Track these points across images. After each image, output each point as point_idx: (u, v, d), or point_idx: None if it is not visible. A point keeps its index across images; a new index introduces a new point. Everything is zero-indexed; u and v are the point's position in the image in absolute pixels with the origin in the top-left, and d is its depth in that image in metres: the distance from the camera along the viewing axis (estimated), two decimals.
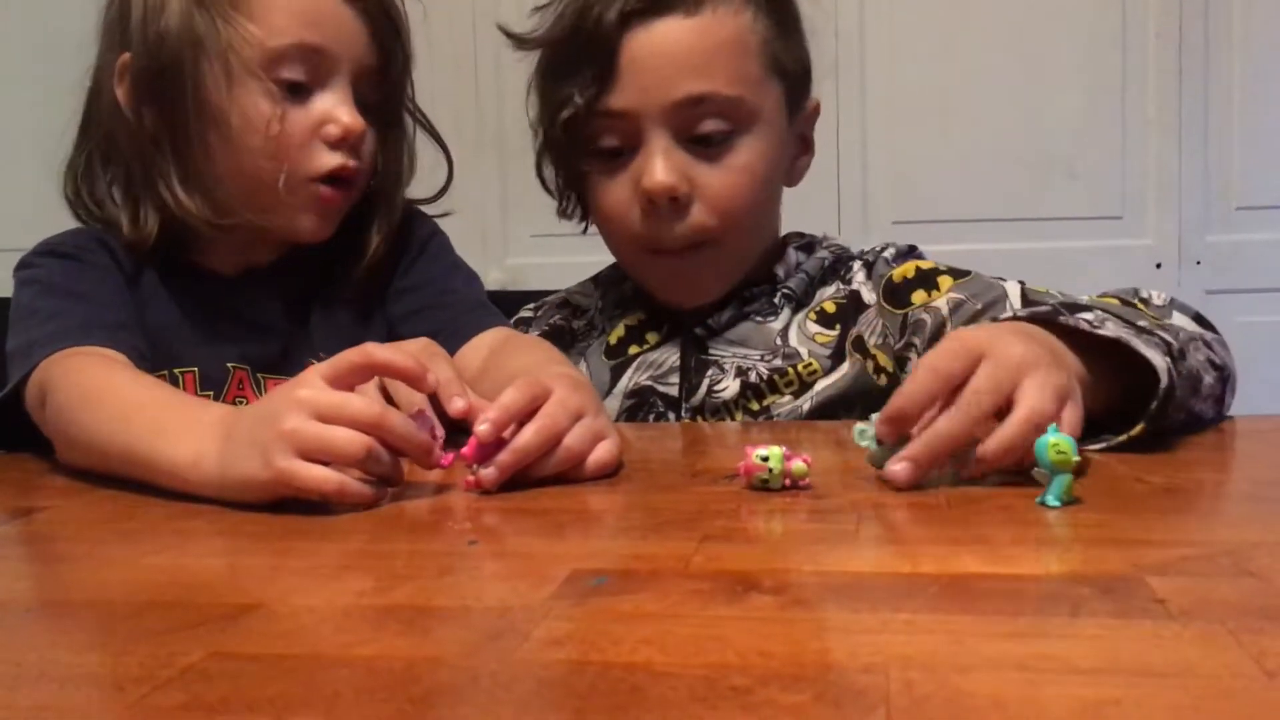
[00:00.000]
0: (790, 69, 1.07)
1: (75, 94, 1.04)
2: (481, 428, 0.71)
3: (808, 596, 0.48)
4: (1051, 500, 0.62)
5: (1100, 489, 0.66)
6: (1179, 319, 0.90)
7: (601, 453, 0.75)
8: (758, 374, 1.06)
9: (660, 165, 1.00)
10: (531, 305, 1.25)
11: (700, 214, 1.02)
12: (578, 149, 1.04)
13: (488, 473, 0.71)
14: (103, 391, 0.82)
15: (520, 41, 1.08)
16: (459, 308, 1.07)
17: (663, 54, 1.00)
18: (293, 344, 1.05)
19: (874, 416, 0.69)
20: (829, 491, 0.68)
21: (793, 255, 1.13)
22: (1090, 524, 0.59)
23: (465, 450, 0.71)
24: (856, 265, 1.12)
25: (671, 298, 1.10)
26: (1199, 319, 0.93)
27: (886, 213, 2.27)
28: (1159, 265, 2.22)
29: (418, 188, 1.12)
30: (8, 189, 2.12)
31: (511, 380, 0.76)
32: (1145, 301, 0.91)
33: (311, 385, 0.69)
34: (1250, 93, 2.22)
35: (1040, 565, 0.52)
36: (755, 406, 1.06)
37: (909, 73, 2.27)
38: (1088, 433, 0.74)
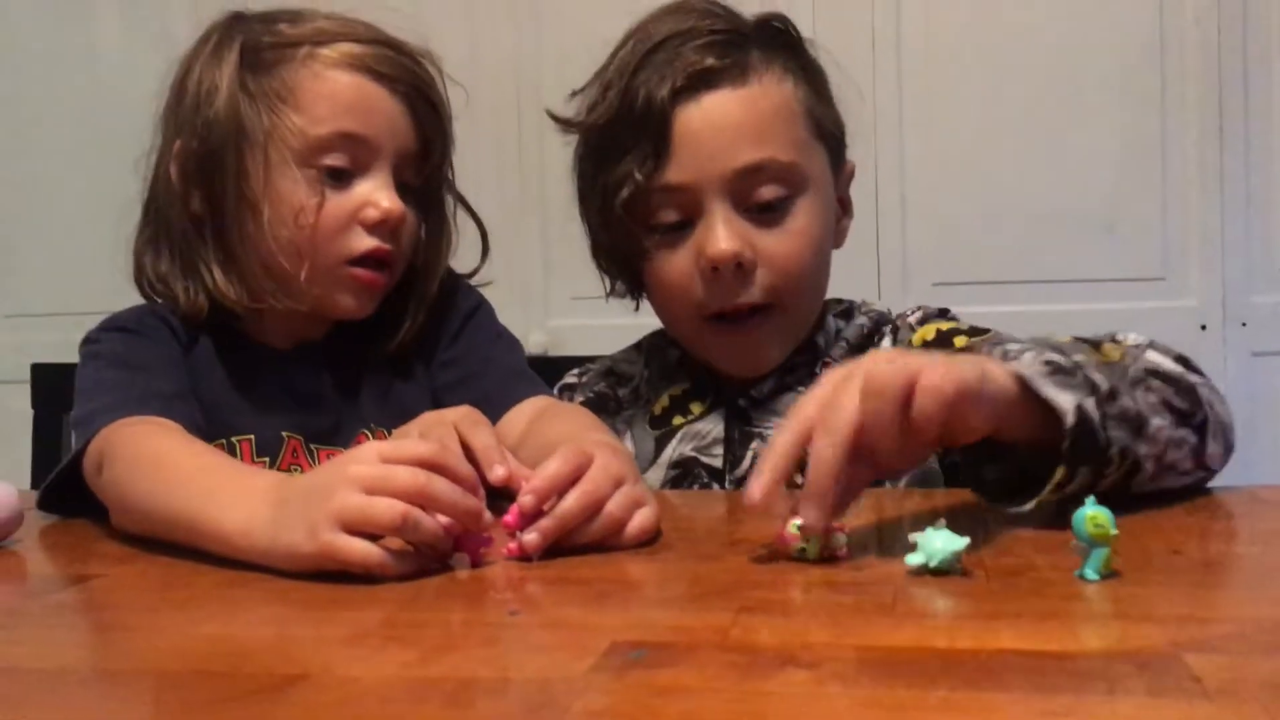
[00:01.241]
0: (830, 132, 1.09)
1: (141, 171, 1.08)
2: (525, 499, 0.72)
3: (844, 671, 0.49)
4: (1090, 574, 0.62)
5: (1138, 562, 0.66)
6: (1155, 358, 0.88)
7: (641, 520, 0.76)
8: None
9: (723, 234, 1.01)
10: (576, 371, 1.26)
11: (764, 280, 1.03)
12: (637, 226, 1.05)
13: (530, 538, 0.72)
14: (157, 458, 0.84)
15: (569, 126, 1.10)
16: (499, 377, 1.09)
17: (717, 126, 1.02)
18: (344, 417, 1.08)
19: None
20: (865, 563, 0.68)
21: (832, 323, 1.14)
22: (1128, 599, 0.59)
23: (508, 518, 0.73)
24: (886, 330, 1.13)
25: (734, 369, 1.10)
26: (1181, 360, 0.91)
27: (926, 275, 2.27)
28: (1203, 327, 2.20)
29: (457, 260, 1.14)
30: (85, 256, 2.19)
31: (551, 448, 0.77)
32: (1117, 342, 0.90)
33: (362, 461, 0.70)
34: None
35: (1077, 641, 0.52)
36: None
37: (947, 135, 2.28)
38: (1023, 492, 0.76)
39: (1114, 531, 0.62)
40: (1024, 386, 0.74)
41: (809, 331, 1.12)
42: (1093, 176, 2.23)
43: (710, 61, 1.02)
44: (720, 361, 1.10)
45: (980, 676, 0.47)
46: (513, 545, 0.73)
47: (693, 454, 1.10)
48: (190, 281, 1.04)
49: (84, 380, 1.01)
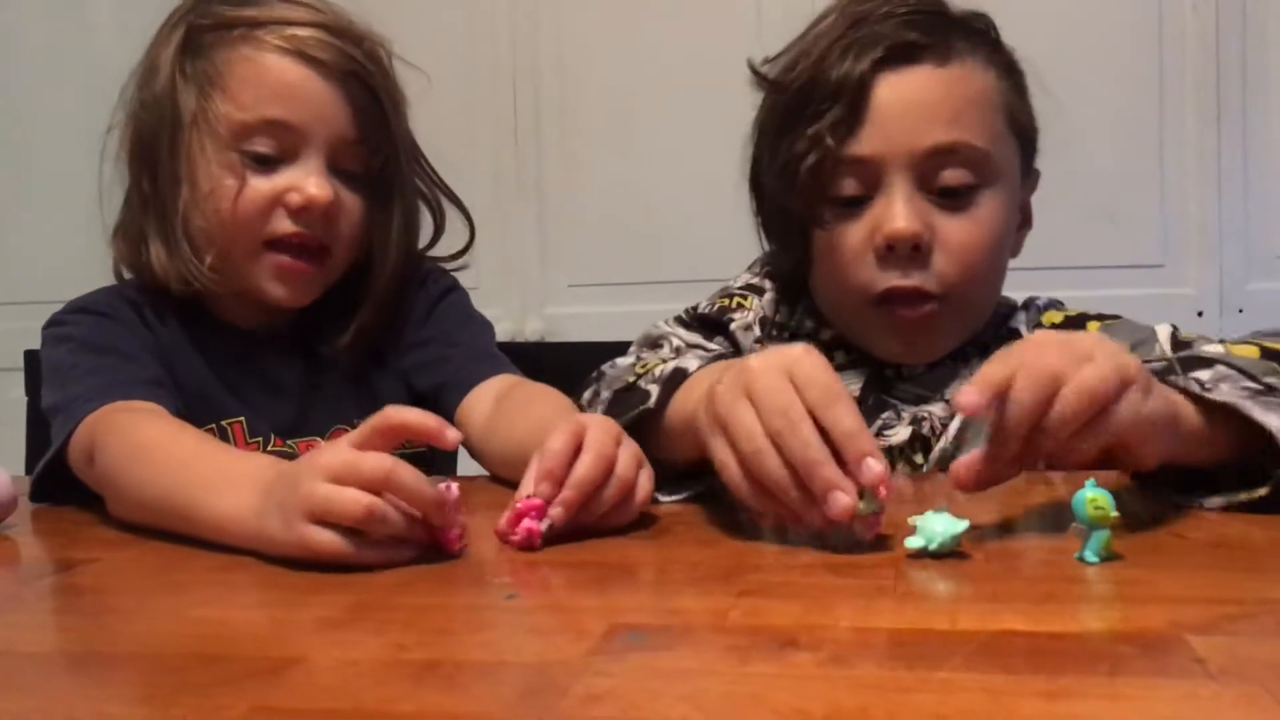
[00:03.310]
0: (1025, 132, 1.06)
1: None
2: (542, 486, 0.72)
3: (845, 654, 0.48)
4: (1090, 556, 0.62)
5: (1140, 545, 0.66)
6: None
7: (645, 479, 0.76)
8: (931, 425, 1.02)
9: (902, 211, 0.97)
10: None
11: (941, 264, 0.99)
12: (816, 196, 1.00)
13: (555, 513, 0.71)
14: (149, 446, 0.84)
15: (767, 84, 1.05)
16: (464, 359, 1.09)
17: (913, 101, 0.98)
18: (310, 408, 1.07)
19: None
20: (868, 544, 0.68)
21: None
22: (1130, 580, 0.59)
23: (518, 509, 0.72)
24: (1020, 314, 1.11)
25: (894, 356, 1.05)
26: None
27: None
28: (1200, 313, 2.20)
29: (447, 244, 1.13)
30: (42, 243, 2.18)
31: (530, 434, 0.78)
32: None
33: (333, 450, 0.70)
34: None
35: (1079, 623, 0.52)
36: (920, 460, 1.02)
37: None
38: (1205, 487, 0.75)
39: (1114, 514, 0.62)
40: (1214, 414, 0.73)
41: (979, 325, 1.07)
42: (1091, 164, 2.22)
43: (915, 36, 0.98)
44: (883, 345, 1.05)
45: (982, 658, 0.47)
46: (516, 537, 0.72)
47: None
48: (145, 259, 1.05)
49: (55, 364, 1.00)
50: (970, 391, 0.66)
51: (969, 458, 0.69)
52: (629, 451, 0.76)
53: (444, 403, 1.07)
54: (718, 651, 0.49)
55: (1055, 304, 1.13)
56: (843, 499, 0.65)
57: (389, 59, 1.07)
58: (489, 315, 1.19)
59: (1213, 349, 0.83)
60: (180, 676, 0.49)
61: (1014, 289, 1.15)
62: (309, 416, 1.07)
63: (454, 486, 0.70)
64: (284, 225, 1.01)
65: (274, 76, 1.00)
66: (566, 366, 1.25)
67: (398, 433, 0.72)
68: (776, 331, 1.11)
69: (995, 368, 0.67)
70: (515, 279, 2.35)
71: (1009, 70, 1.05)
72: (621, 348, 1.14)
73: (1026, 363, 0.66)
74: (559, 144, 2.38)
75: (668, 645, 0.50)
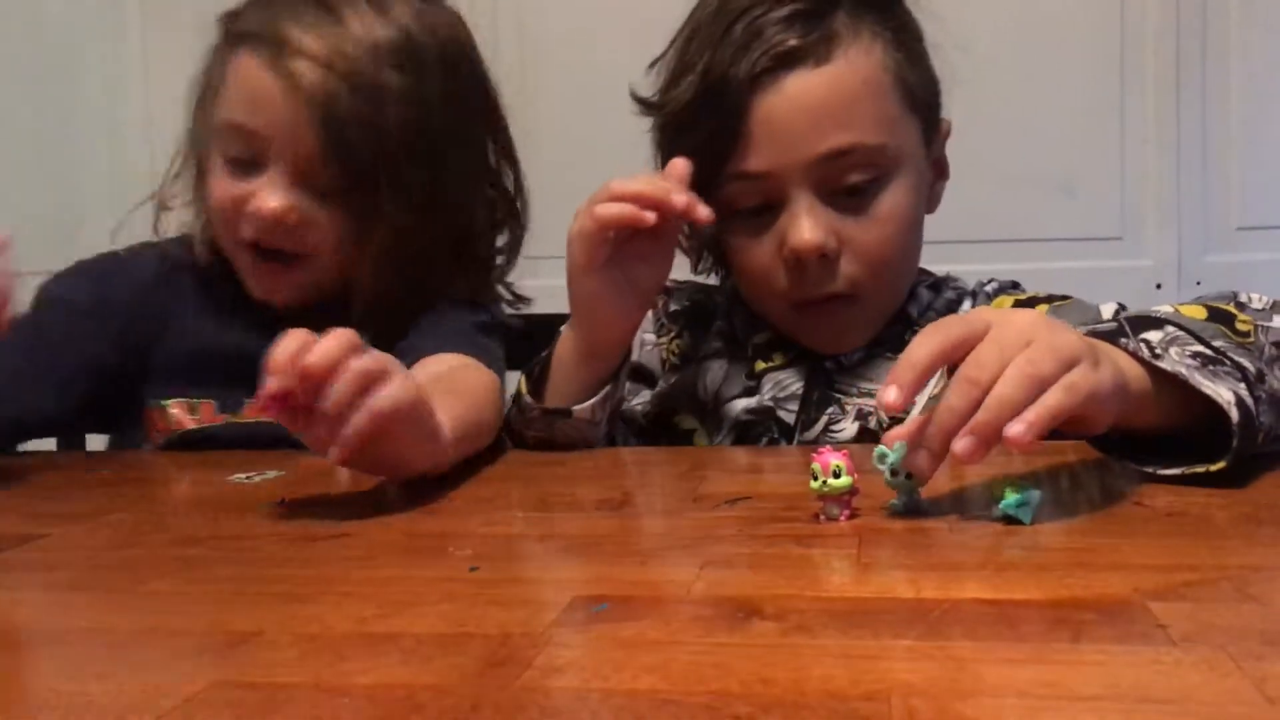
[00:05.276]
0: (923, 97, 1.04)
1: None
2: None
3: (809, 623, 0.48)
4: (1014, 504, 0.63)
5: (1101, 512, 0.66)
6: None
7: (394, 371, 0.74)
8: (878, 420, 1.02)
9: (806, 224, 0.96)
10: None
11: (850, 267, 0.99)
12: (718, 211, 0.97)
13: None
14: None
15: (649, 108, 1.05)
16: (426, 335, 1.08)
17: (798, 110, 0.96)
18: None
19: (896, 445, 0.67)
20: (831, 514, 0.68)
21: (924, 294, 1.10)
22: (1091, 548, 0.59)
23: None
24: (966, 301, 1.11)
25: (820, 348, 1.06)
26: None
27: None
28: (1159, 286, 2.22)
29: None
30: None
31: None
32: (1242, 306, 0.86)
33: None
34: (1249, 112, 2.22)
35: (1041, 590, 0.52)
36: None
37: None
38: (1161, 458, 0.74)
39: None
40: (1162, 380, 0.72)
41: (899, 305, 1.08)
42: (1051, 136, 2.23)
43: (793, 42, 0.96)
44: (806, 342, 1.06)
45: (946, 625, 0.47)
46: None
47: (770, 403, 1.06)
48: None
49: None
50: (890, 390, 0.65)
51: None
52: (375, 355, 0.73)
53: None
54: (682, 622, 0.49)
55: (1008, 288, 1.12)
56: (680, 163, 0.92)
57: (440, 80, 1.08)
58: None
59: (1162, 309, 0.83)
60: (135, 652, 0.48)
61: (972, 262, 1.15)
62: None
63: None
64: (246, 230, 1.05)
65: (247, 84, 1.03)
66: (531, 339, 1.24)
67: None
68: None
69: (921, 351, 0.66)
70: None
71: (898, 34, 1.02)
72: None
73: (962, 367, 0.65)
74: (518, 116, 2.36)
75: (631, 616, 0.50)
